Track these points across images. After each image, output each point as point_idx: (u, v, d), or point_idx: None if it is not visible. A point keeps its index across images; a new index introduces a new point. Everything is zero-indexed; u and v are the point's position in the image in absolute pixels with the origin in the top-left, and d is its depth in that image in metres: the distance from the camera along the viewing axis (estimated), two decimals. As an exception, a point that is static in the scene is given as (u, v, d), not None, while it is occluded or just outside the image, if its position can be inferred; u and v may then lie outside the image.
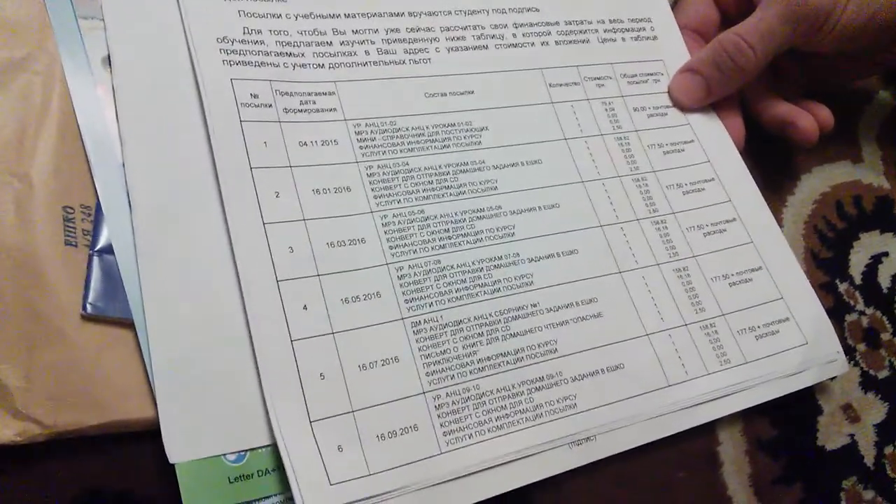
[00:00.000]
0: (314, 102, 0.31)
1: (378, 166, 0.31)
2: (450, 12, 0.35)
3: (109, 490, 0.26)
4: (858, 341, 0.37)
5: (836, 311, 0.37)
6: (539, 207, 0.32)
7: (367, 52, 0.33)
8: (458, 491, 0.27)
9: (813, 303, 0.34)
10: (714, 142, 0.37)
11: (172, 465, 0.25)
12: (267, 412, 0.26)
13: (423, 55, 0.34)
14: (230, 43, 0.30)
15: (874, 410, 0.35)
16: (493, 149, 0.33)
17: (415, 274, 0.29)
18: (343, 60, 0.32)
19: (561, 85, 0.36)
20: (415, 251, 0.30)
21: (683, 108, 0.37)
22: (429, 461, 0.26)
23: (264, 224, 0.28)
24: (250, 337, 0.27)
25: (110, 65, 0.30)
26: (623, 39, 0.38)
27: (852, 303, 0.38)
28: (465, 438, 0.27)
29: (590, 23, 0.38)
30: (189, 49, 0.29)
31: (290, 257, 0.28)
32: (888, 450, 0.34)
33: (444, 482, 0.26)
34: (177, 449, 0.25)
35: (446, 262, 0.30)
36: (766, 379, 0.32)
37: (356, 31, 0.33)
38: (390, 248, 0.29)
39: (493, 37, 0.36)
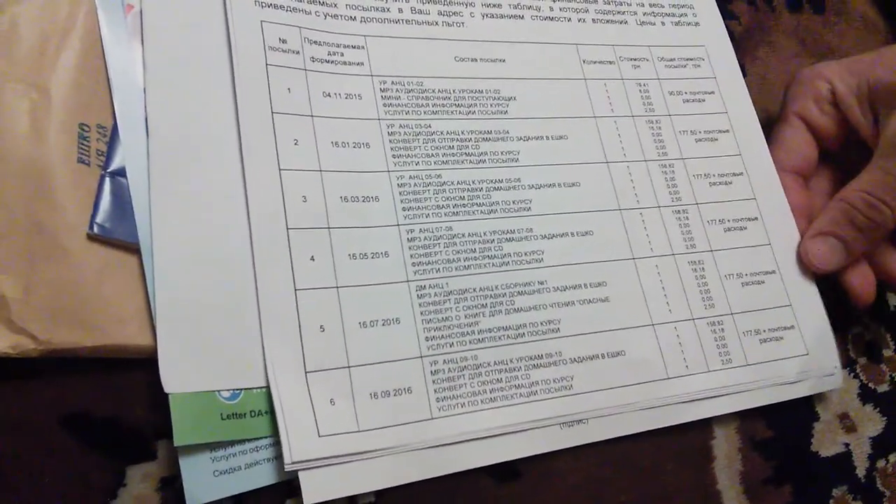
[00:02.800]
0: (342, 54, 0.30)
1: (400, 125, 0.30)
2: None
3: (98, 415, 0.26)
4: (860, 354, 0.37)
5: (841, 321, 0.37)
6: (559, 184, 0.32)
7: (400, 10, 0.32)
8: (444, 458, 0.27)
9: (819, 315, 0.34)
10: (748, 135, 0.36)
11: (163, 397, 0.24)
12: (264, 356, 0.25)
13: (456, 18, 0.33)
14: None
15: (871, 423, 0.35)
16: (519, 119, 0.32)
17: (425, 238, 0.29)
18: (376, 15, 0.32)
19: (595, 62, 0.35)
20: (427, 215, 0.29)
21: (820, 273, 0.34)
22: (419, 425, 0.26)
23: (280, 170, 0.28)
24: (255, 280, 0.26)
25: (140, -12, 0.29)
26: (663, 24, 0.38)
27: (858, 316, 0.38)
28: (458, 407, 0.27)
29: (629, 4, 0.38)
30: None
31: (302, 206, 0.27)
32: (881, 463, 0.34)
33: (432, 447, 0.26)
34: (172, 379, 0.25)
35: (458, 229, 0.29)
36: (763, 385, 0.31)
37: None
38: (403, 209, 0.29)
39: (529, 7, 0.35)
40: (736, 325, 0.32)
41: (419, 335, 0.27)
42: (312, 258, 0.27)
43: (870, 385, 0.36)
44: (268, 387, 0.26)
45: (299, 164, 0.28)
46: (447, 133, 0.31)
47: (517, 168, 0.31)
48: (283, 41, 0.29)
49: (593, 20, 0.36)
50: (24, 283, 0.25)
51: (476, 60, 0.33)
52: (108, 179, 0.27)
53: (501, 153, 0.31)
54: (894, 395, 0.36)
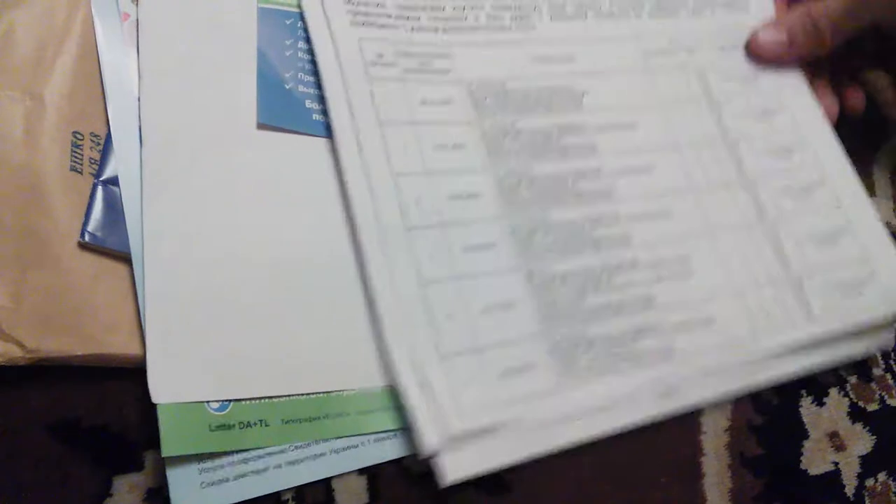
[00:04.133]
0: (431, 64, 0.32)
1: (490, 126, 0.32)
2: None
3: (86, 423, 0.26)
4: (850, 373, 0.37)
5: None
6: (635, 171, 0.34)
7: (476, 18, 0.34)
8: (565, 430, 0.28)
9: (892, 267, 0.35)
10: (804, 109, 0.38)
11: (152, 407, 0.24)
12: (388, 349, 0.27)
13: (527, 22, 0.35)
14: (355, 5, 0.32)
15: (861, 442, 0.35)
16: (594, 112, 0.34)
17: (526, 228, 0.31)
18: (455, 25, 0.34)
19: (655, 53, 0.37)
20: (525, 207, 0.31)
21: (761, 58, 0.38)
22: (545, 397, 0.28)
23: (395, 175, 0.29)
24: (368, 281, 0.28)
25: (137, -3, 0.29)
26: (713, 12, 0.39)
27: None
28: (577, 378, 0.29)
29: None
30: (323, 8, 0.31)
31: (417, 208, 0.29)
32: (869, 482, 0.34)
33: (555, 422, 0.28)
34: (161, 389, 0.25)
35: (553, 218, 0.31)
36: (841, 340, 0.33)
37: None
38: (504, 203, 0.31)
39: (590, 7, 0.37)
40: (815, 283, 0.34)
41: (535, 316, 0.29)
42: (431, 254, 0.29)
43: (860, 404, 0.36)
44: (258, 398, 0.26)
45: (410, 168, 0.30)
46: (532, 130, 0.33)
47: (597, 158, 0.33)
48: (381, 56, 0.31)
49: (649, 14, 0.38)
50: (14, 291, 0.25)
51: (549, 60, 0.35)
52: (100, 188, 0.26)
53: (582, 145, 0.33)
54: (884, 414, 0.36)
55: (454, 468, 0.26)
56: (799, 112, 0.38)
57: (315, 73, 0.30)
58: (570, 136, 0.33)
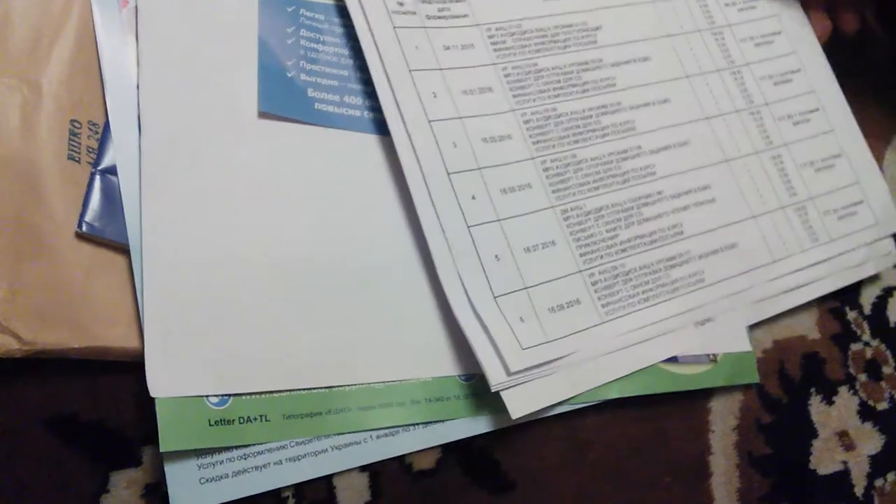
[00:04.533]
0: (449, 9, 0.33)
1: (512, 67, 0.32)
2: None
3: (83, 418, 0.25)
4: (860, 371, 0.36)
5: (842, 337, 0.36)
6: (652, 103, 0.34)
7: None
8: (614, 363, 0.30)
9: (882, 188, 0.38)
10: (800, 35, 0.39)
11: (150, 401, 0.24)
12: (446, 293, 0.27)
13: None
14: None
15: (870, 441, 0.34)
16: (608, 47, 0.35)
17: (556, 167, 0.31)
18: None
19: None
20: (553, 146, 0.32)
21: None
22: (592, 330, 0.29)
23: (430, 122, 0.29)
24: (420, 227, 0.28)
25: (137, -17, 0.28)
26: None
27: (859, 332, 0.37)
28: (620, 310, 0.30)
29: None
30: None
31: (454, 152, 0.30)
32: (879, 482, 0.34)
33: (604, 355, 0.29)
34: (159, 383, 0.24)
35: (581, 155, 0.32)
36: (842, 266, 0.35)
37: None
38: (533, 143, 0.31)
39: None
40: (816, 207, 0.36)
41: (574, 253, 0.30)
42: (473, 197, 0.29)
43: (869, 403, 0.35)
44: (258, 392, 0.25)
45: (443, 114, 0.30)
46: (552, 69, 0.33)
47: (616, 92, 0.34)
48: (401, 4, 0.31)
49: None
50: (10, 282, 0.24)
51: None
52: (98, 177, 0.26)
53: (600, 80, 0.34)
54: (894, 413, 0.36)
55: (519, 404, 0.27)
56: (794, 35, 0.39)
57: (316, 60, 0.30)
58: (589, 72, 0.34)
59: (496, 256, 0.29)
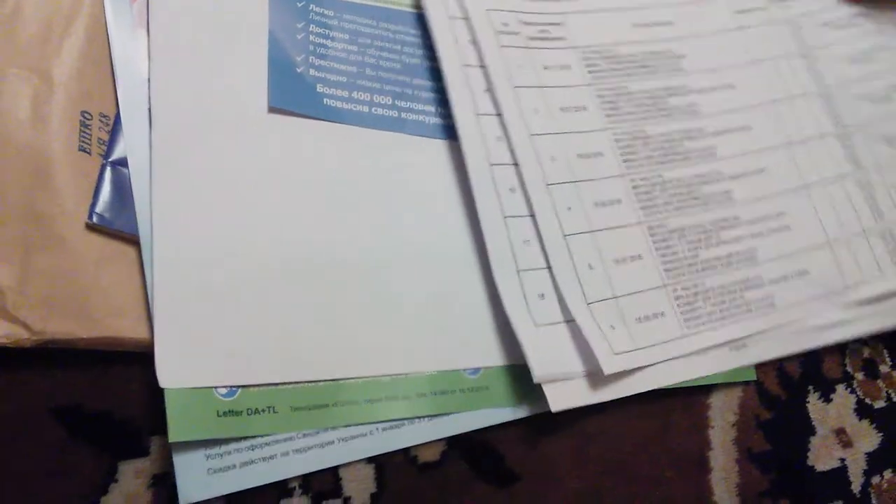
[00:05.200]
0: (549, 32, 0.34)
1: (606, 88, 0.34)
2: None
3: (90, 408, 0.25)
4: (857, 370, 0.37)
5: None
6: (734, 130, 0.35)
7: None
8: (684, 367, 0.31)
9: None
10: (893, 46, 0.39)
11: (158, 392, 0.24)
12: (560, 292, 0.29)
13: None
14: None
15: (867, 438, 0.35)
16: (692, 74, 0.36)
17: (644, 185, 0.33)
18: None
19: (747, 10, 0.38)
20: (642, 165, 0.33)
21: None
22: (676, 342, 0.30)
23: (531, 136, 0.31)
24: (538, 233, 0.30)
25: (147, -23, 0.29)
26: None
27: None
28: (700, 325, 0.31)
29: None
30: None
31: (553, 165, 0.31)
32: (875, 479, 0.34)
33: (679, 357, 0.30)
34: (168, 374, 0.24)
35: (666, 176, 0.33)
36: None
37: None
38: (623, 161, 0.33)
39: None
40: None
41: (659, 268, 0.31)
42: (569, 208, 0.31)
43: (866, 401, 0.36)
44: (269, 384, 0.26)
45: (543, 128, 0.32)
46: (641, 92, 0.35)
47: (699, 119, 0.35)
48: (506, 24, 0.33)
49: None
50: (20, 273, 0.24)
51: (649, 25, 0.37)
52: (108, 168, 0.26)
53: (685, 106, 0.35)
54: (890, 412, 0.36)
55: (605, 394, 0.28)
56: (892, 48, 0.39)
57: (328, 55, 0.30)
58: (674, 97, 0.35)
59: (589, 265, 0.30)
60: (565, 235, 0.30)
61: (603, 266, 0.30)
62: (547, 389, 0.27)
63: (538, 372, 0.27)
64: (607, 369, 0.28)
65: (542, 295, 0.29)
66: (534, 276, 0.29)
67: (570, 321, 0.29)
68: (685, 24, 0.37)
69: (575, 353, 0.29)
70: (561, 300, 0.29)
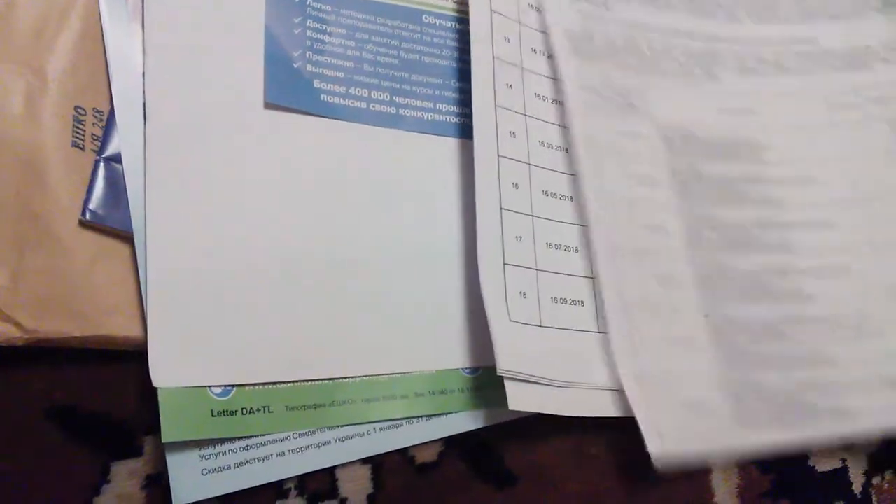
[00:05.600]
0: (629, 98, 0.34)
1: (679, 166, 0.33)
2: (737, 37, 0.37)
3: (84, 408, 0.25)
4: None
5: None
6: (815, 225, 0.33)
7: (669, 64, 0.36)
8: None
9: None
10: None
11: (152, 391, 0.24)
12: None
13: (713, 72, 0.36)
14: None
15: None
16: (776, 166, 0.34)
17: (708, 271, 0.31)
18: (651, 68, 0.35)
19: (841, 106, 0.36)
20: (708, 250, 0.31)
21: None
22: (718, 436, 0.28)
23: (597, 197, 0.30)
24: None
25: (142, -29, 0.28)
26: None
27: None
28: (747, 424, 0.28)
29: (868, 46, 0.38)
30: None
31: (619, 234, 0.30)
32: (876, 480, 0.34)
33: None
34: (162, 373, 0.24)
35: (733, 264, 0.31)
36: None
37: (662, 43, 0.36)
38: (690, 243, 0.31)
39: (773, 62, 0.37)
40: None
41: (713, 356, 0.29)
42: (633, 280, 0.30)
43: (868, 401, 0.36)
44: (261, 383, 0.25)
45: (613, 193, 0.31)
46: (716, 177, 0.33)
47: (776, 209, 0.33)
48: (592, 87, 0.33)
49: (834, 67, 0.37)
50: (12, 270, 0.24)
51: (733, 113, 0.35)
52: (102, 164, 0.26)
53: (762, 196, 0.33)
54: (892, 412, 0.36)
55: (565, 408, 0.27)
56: None
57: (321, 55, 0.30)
58: (752, 185, 0.33)
59: (643, 339, 0.29)
60: (629, 304, 0.29)
61: (657, 343, 0.29)
62: (508, 385, 0.26)
63: (503, 365, 0.26)
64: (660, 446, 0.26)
65: (524, 294, 0.28)
66: (519, 272, 0.28)
67: (547, 327, 0.28)
68: (772, 115, 0.36)
69: (544, 357, 0.27)
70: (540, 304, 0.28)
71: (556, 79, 0.33)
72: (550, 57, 0.33)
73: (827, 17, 0.39)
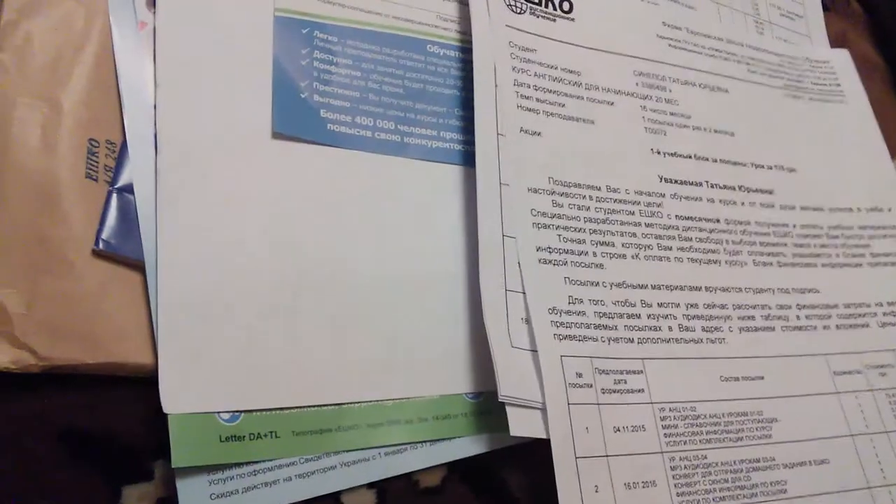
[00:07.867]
0: (625, 382, 0.30)
1: (680, 458, 0.29)
2: (740, 289, 0.34)
3: (95, 433, 0.26)
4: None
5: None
6: None
7: (670, 328, 0.32)
8: None
9: None
10: None
11: (162, 417, 0.24)
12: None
13: (718, 334, 0.33)
14: (559, 314, 0.29)
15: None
16: (783, 444, 0.31)
17: None
18: (650, 335, 0.31)
19: (844, 373, 0.34)
20: None
21: None
22: None
23: None
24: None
25: (154, 5, 0.29)
26: None
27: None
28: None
29: (868, 306, 0.36)
30: (529, 319, 0.28)
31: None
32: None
33: None
34: (172, 399, 0.24)
35: None
36: None
37: (661, 304, 0.32)
38: None
39: (779, 318, 0.34)
40: None
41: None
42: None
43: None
44: (269, 409, 0.26)
45: None
46: (721, 464, 0.30)
47: (787, 500, 0.30)
48: (580, 375, 0.29)
49: (837, 326, 0.35)
50: (28, 298, 0.24)
51: (738, 379, 0.32)
52: (115, 195, 0.26)
53: (770, 484, 0.30)
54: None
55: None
56: None
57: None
58: (759, 472, 0.30)
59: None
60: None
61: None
62: (510, 412, 0.26)
63: (504, 391, 0.26)
64: None
65: (525, 319, 0.28)
66: (520, 298, 0.28)
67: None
68: (778, 382, 0.32)
69: (542, 385, 0.27)
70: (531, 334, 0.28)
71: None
72: None
73: None
